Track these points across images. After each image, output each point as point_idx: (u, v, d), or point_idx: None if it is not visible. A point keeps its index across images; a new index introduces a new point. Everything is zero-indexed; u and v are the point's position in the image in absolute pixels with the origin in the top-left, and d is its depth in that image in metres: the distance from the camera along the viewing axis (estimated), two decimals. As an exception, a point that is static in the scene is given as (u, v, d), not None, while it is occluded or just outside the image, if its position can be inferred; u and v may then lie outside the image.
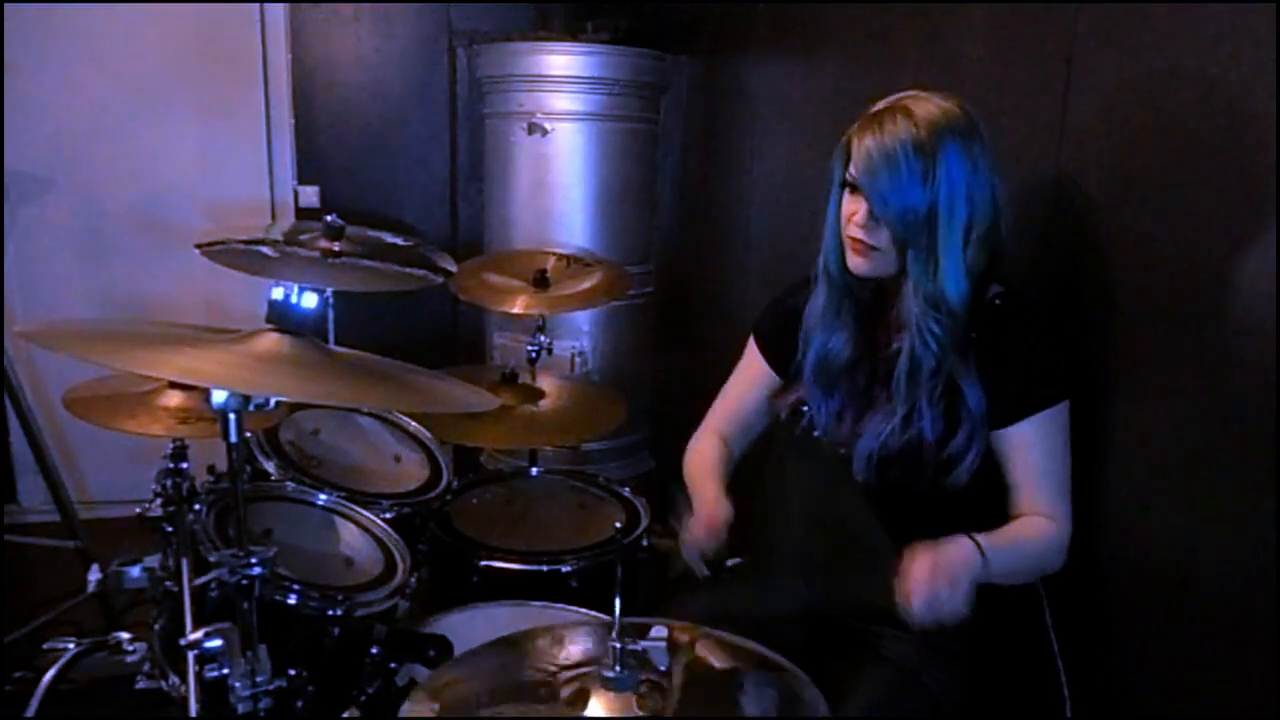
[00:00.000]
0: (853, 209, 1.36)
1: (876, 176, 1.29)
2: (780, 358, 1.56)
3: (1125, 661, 1.39)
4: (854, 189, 1.35)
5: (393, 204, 3.52)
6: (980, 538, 1.27)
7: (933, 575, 1.20)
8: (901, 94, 1.34)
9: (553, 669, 1.16)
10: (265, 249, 1.96)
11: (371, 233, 2.31)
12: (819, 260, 1.45)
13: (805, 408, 1.49)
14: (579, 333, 3.16)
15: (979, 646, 1.40)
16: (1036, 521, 1.35)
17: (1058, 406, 1.34)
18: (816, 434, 1.48)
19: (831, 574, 1.48)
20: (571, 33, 3.16)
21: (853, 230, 1.36)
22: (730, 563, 1.53)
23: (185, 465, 1.75)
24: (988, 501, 1.37)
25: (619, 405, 2.41)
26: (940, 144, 1.28)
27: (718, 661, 1.19)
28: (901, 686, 1.35)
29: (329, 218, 2.12)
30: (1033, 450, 1.35)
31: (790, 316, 1.52)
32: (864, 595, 1.31)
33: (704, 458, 1.61)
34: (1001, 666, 1.42)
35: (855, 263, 1.38)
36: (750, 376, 1.65)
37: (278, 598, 1.53)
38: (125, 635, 1.81)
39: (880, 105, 1.35)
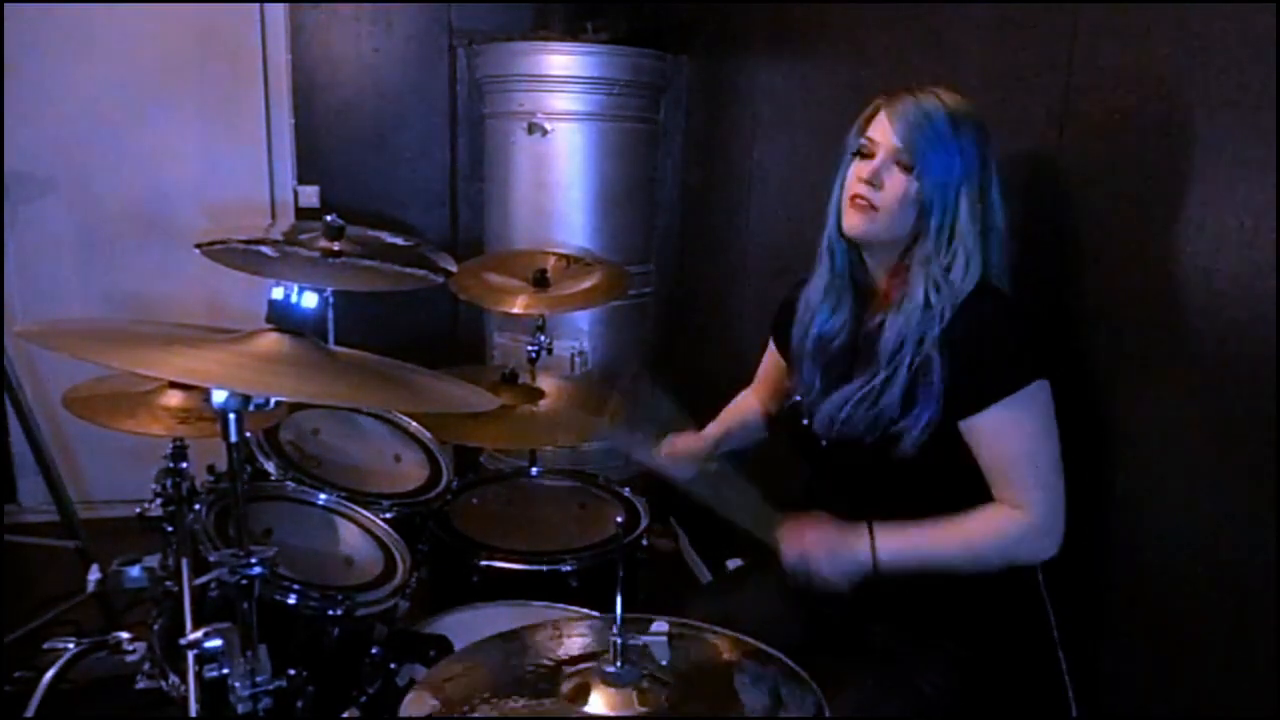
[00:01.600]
0: (861, 169, 1.37)
1: (920, 130, 1.32)
2: (788, 347, 1.60)
3: (1130, 660, 1.39)
4: (865, 155, 1.37)
5: (393, 204, 3.52)
6: (885, 532, 1.32)
7: (814, 539, 1.29)
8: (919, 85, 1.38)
9: (553, 664, 1.16)
10: (265, 249, 1.96)
11: (371, 233, 2.31)
12: (823, 240, 1.47)
13: (798, 396, 1.51)
14: (579, 333, 3.16)
15: (979, 647, 1.40)
16: (992, 514, 1.33)
17: (1028, 389, 1.30)
18: (804, 422, 1.50)
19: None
20: (571, 33, 3.16)
21: (858, 187, 1.36)
22: (731, 565, 1.53)
23: (185, 465, 1.76)
24: (936, 480, 1.36)
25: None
26: (966, 126, 1.33)
27: (716, 659, 1.19)
28: (894, 687, 1.35)
29: (329, 218, 2.13)
30: (1002, 436, 1.32)
31: (794, 309, 1.56)
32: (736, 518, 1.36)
33: (731, 405, 1.78)
34: (1003, 666, 1.42)
35: (853, 221, 1.38)
36: (770, 365, 1.74)
37: (278, 598, 1.53)
38: (125, 635, 1.81)
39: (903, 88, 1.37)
